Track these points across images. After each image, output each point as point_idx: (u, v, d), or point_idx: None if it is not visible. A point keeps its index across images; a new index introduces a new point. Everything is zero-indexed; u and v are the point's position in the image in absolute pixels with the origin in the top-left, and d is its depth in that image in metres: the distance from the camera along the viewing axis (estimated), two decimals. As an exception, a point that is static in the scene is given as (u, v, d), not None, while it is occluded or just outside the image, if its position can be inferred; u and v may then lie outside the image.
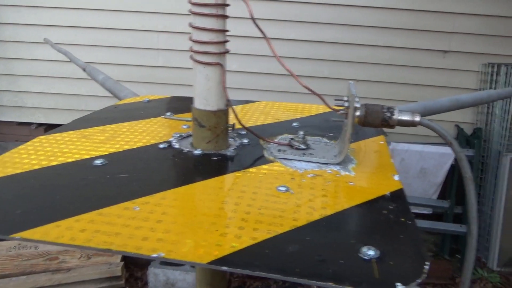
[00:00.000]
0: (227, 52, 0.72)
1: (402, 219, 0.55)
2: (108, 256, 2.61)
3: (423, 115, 1.13)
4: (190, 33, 0.70)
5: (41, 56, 2.95)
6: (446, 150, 2.94)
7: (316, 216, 0.55)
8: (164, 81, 2.94)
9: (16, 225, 0.50)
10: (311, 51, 2.96)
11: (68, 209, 0.54)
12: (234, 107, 0.75)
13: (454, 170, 2.96)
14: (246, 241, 0.49)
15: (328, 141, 0.82)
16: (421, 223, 2.98)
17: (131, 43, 2.89)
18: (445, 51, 3.01)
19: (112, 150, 0.72)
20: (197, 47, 0.70)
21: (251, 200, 0.59)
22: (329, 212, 0.56)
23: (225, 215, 0.54)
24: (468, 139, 2.96)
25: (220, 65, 0.71)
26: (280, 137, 0.83)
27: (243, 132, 0.84)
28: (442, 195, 3.06)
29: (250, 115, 0.99)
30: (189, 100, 0.76)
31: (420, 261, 0.47)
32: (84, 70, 1.37)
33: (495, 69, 2.91)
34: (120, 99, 1.14)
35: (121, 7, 2.83)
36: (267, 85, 2.92)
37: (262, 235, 0.51)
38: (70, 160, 0.68)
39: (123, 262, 2.54)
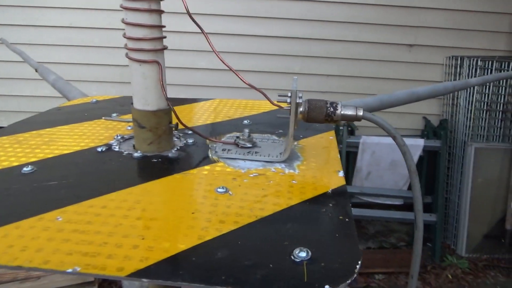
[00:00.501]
0: (164, 48, 0.69)
1: (340, 217, 0.54)
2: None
3: (380, 108, 1.13)
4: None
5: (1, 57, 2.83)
6: (415, 142, 3.00)
7: (252, 218, 0.53)
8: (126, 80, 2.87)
9: None
10: (282, 47, 2.95)
11: (-17, 222, 0.50)
12: (187, 105, 0.72)
13: (423, 161, 3.03)
14: (173, 249, 0.47)
15: (276, 138, 0.80)
16: (393, 214, 3.03)
17: (98, 42, 2.80)
18: (411, 45, 3.06)
19: (45, 156, 0.68)
20: (131, 44, 0.66)
21: (187, 204, 0.56)
22: (266, 213, 0.54)
23: (155, 223, 0.52)
24: (435, 130, 3.02)
25: (157, 63, 0.67)
26: (227, 135, 0.81)
27: (190, 132, 0.81)
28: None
29: (201, 114, 0.96)
30: (133, 100, 0.73)
31: (352, 261, 0.46)
32: (36, 70, 1.31)
33: (459, 62, 2.99)
34: (69, 100, 1.09)
35: (87, 5, 2.74)
36: (224, 82, 2.90)
37: (191, 242, 0.48)
38: (-4, 168, 0.63)
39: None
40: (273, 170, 0.67)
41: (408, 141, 2.98)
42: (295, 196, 0.59)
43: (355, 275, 0.44)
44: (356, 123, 3.18)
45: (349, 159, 3.06)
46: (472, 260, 2.92)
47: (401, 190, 3.11)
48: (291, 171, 0.67)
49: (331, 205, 0.57)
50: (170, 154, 0.71)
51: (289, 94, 0.67)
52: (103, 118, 0.86)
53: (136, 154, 0.70)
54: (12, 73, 2.88)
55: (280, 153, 0.71)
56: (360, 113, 0.67)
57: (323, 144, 0.77)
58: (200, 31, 0.69)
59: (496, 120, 3.00)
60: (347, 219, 0.53)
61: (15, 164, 0.65)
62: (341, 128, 2.96)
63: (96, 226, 0.50)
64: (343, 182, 0.63)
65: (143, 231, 0.50)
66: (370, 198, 3.14)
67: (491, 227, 2.96)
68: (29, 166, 0.64)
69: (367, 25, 2.95)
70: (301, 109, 0.67)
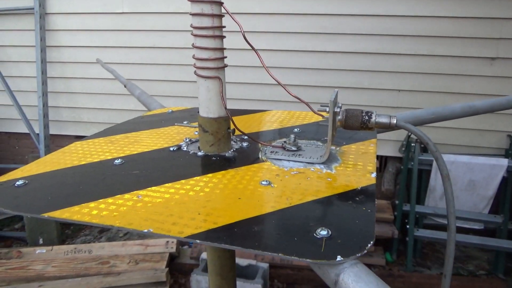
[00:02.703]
0: (225, 66, 0.84)
1: (364, 208, 0.62)
2: (155, 262, 2.80)
3: (432, 121, 1.15)
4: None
5: (95, 75, 3.30)
6: (497, 161, 2.80)
7: (287, 204, 0.64)
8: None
9: (46, 208, 0.64)
10: (352, 63, 3.00)
11: (87, 196, 0.67)
12: (251, 115, 0.85)
13: (507, 183, 2.80)
14: (220, 223, 0.59)
15: (320, 144, 0.89)
16: (472, 239, 2.83)
17: (177, 61, 3.13)
18: (493, 58, 2.89)
19: (131, 153, 0.86)
20: (198, 64, 0.82)
21: (236, 192, 0.68)
22: (299, 201, 0.64)
23: (210, 204, 0.65)
24: (521, 150, 2.78)
25: (219, 78, 0.82)
26: (278, 141, 0.92)
27: (246, 137, 0.94)
28: (494, 210, 2.89)
29: (260, 122, 1.09)
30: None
31: (365, 241, 0.53)
32: (125, 86, 1.57)
33: (548, 75, 2.74)
34: (150, 111, 1.30)
35: (166, 27, 3.10)
36: (278, 96, 3.03)
37: (235, 218, 0.60)
38: (96, 160, 0.83)
39: (167, 269, 2.71)
40: (312, 169, 0.76)
41: (490, 160, 2.80)
42: (327, 190, 0.68)
43: (365, 251, 0.51)
44: (431, 139, 3.06)
45: (421, 177, 2.95)
46: None
47: (481, 213, 2.90)
48: (328, 171, 0.76)
49: (357, 199, 0.65)
50: (227, 154, 0.85)
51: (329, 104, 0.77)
52: (175, 124, 1.03)
53: (199, 153, 0.85)
54: (104, 89, 3.34)
55: (321, 156, 0.80)
56: (394, 121, 0.74)
57: (363, 151, 0.85)
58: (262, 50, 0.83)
59: None
60: (369, 210, 0.61)
61: (109, 157, 0.84)
62: (412, 144, 2.88)
63: (166, 203, 0.65)
64: (373, 181, 0.70)
65: (200, 208, 0.63)
66: (446, 220, 2.97)
67: None
68: (119, 159, 0.82)
69: (441, 38, 2.87)
70: (339, 117, 0.76)
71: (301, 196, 0.66)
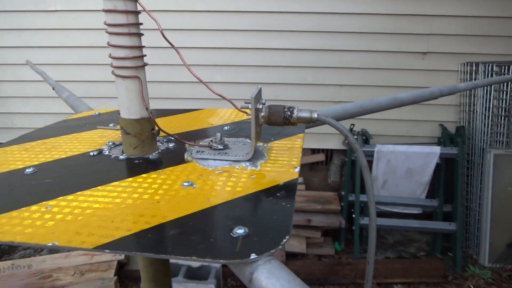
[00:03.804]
0: (145, 65, 0.80)
1: (283, 203, 0.62)
2: (102, 271, 2.68)
3: (360, 113, 1.19)
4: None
5: (28, 77, 3.08)
6: (431, 149, 2.98)
7: (207, 205, 0.62)
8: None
9: None
10: (295, 59, 3.05)
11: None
12: (180, 115, 0.82)
13: (441, 169, 2.99)
14: (134, 229, 0.56)
15: (249, 141, 0.89)
16: (412, 223, 3.00)
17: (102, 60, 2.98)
18: (424, 53, 3.07)
19: (45, 160, 0.80)
20: (115, 63, 0.78)
21: (155, 195, 0.66)
22: (220, 201, 0.63)
23: (125, 211, 0.61)
24: (452, 138, 2.99)
25: (138, 78, 0.79)
26: (205, 140, 0.90)
27: (173, 138, 0.91)
28: (430, 195, 3.08)
29: (186, 122, 1.06)
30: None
31: (281, 237, 0.53)
32: (53, 88, 1.47)
33: (474, 68, 2.96)
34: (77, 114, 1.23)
35: (102, 25, 2.96)
36: (209, 93, 3.02)
37: (152, 223, 0.57)
38: (5, 170, 0.76)
39: (116, 277, 2.61)
40: (237, 167, 0.76)
41: (424, 148, 2.97)
42: (250, 187, 0.67)
43: (280, 247, 0.51)
44: (370, 132, 3.20)
45: (364, 168, 3.07)
46: (495, 270, 2.83)
47: (418, 198, 3.08)
48: (253, 168, 0.75)
49: (278, 194, 0.65)
50: (150, 156, 0.82)
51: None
52: (97, 127, 0.98)
53: (121, 157, 0.81)
54: (40, 92, 3.13)
55: (246, 153, 0.80)
56: (315, 115, 0.75)
57: (289, 145, 0.85)
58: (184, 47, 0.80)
59: (514, 125, 2.93)
60: (288, 205, 0.61)
61: (20, 166, 0.78)
62: (355, 137, 2.99)
63: (77, 213, 0.60)
64: (296, 176, 0.71)
65: (115, 216, 0.60)
66: (388, 207, 3.12)
67: (515, 236, 2.86)
68: (31, 168, 0.76)
69: (378, 35, 3.00)
70: (262, 113, 0.76)
71: (223, 195, 0.65)
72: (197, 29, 2.98)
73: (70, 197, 0.65)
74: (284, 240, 0.53)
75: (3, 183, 0.71)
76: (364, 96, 3.12)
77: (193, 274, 2.53)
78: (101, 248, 0.52)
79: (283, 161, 0.78)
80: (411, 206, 3.07)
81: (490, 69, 2.87)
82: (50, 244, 0.54)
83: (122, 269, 2.81)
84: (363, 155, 0.74)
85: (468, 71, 3.01)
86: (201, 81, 0.78)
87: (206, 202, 0.63)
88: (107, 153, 0.84)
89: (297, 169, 0.74)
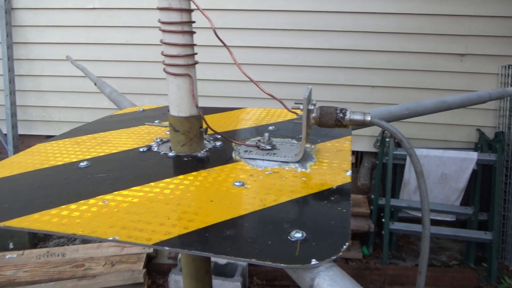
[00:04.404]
0: (195, 63, 0.81)
1: (339, 208, 0.60)
2: (132, 263, 2.74)
3: (406, 116, 1.16)
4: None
5: (65, 72, 3.17)
6: (467, 155, 2.88)
7: (261, 206, 0.62)
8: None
9: (2, 216, 0.60)
10: (327, 59, 3.01)
11: (48, 203, 0.63)
12: (224, 113, 0.83)
13: (477, 176, 2.88)
14: (191, 227, 0.56)
15: (296, 142, 0.88)
16: (444, 231, 2.91)
17: (151, 57, 3.04)
18: (462, 55, 2.97)
19: (98, 154, 0.82)
20: (167, 60, 0.78)
21: (207, 194, 0.66)
22: (274, 203, 0.63)
23: (180, 208, 0.62)
24: (490, 143, 2.87)
25: (189, 76, 0.79)
26: (252, 139, 0.90)
27: (219, 136, 0.92)
28: (465, 202, 2.98)
29: (232, 120, 1.06)
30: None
31: (340, 242, 0.52)
32: (95, 84, 1.50)
33: (515, 71, 2.84)
34: (121, 110, 1.25)
35: (139, 23, 3.01)
36: (255, 92, 3.00)
37: (207, 222, 0.57)
38: (60, 163, 0.78)
39: (145, 270, 2.66)
40: (287, 169, 0.75)
41: (460, 154, 2.87)
42: (302, 190, 0.66)
43: (340, 253, 0.50)
44: (404, 134, 3.12)
45: (396, 172, 3.00)
46: (532, 281, 2.70)
47: (452, 205, 2.98)
48: (303, 170, 0.74)
49: (332, 198, 0.63)
50: (199, 154, 0.82)
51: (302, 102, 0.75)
52: (145, 123, 0.99)
53: (170, 154, 0.82)
54: (76, 86, 3.22)
55: (295, 154, 0.79)
56: (368, 118, 0.73)
57: (338, 148, 0.84)
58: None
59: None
60: (344, 210, 0.60)
61: (74, 160, 0.80)
62: (387, 139, 2.92)
63: (133, 207, 0.61)
64: (348, 180, 0.69)
65: (170, 213, 0.60)
66: (419, 213, 3.04)
67: (555, 247, 2.72)
68: (85, 162, 0.78)
69: (412, 35, 2.92)
70: (313, 114, 0.75)
71: (275, 197, 0.64)
72: (229, 27, 2.99)
73: (125, 192, 0.66)
74: (344, 247, 0.51)
75: (59, 176, 0.73)
76: (396, 98, 3.04)
77: (219, 271, 2.55)
78: (161, 245, 0.53)
79: (333, 164, 0.76)
80: (444, 212, 2.98)
81: (532, 72, 2.74)
82: (110, 238, 0.54)
83: (150, 262, 2.86)
84: (419, 161, 0.72)
85: (509, 74, 2.89)
86: (252, 81, 0.78)
87: (259, 203, 0.63)
88: (156, 149, 0.85)
89: (349, 173, 0.72)
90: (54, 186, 0.69)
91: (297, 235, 0.53)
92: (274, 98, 0.79)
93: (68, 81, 3.23)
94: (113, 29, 3.06)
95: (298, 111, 0.76)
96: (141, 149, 0.85)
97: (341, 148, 0.84)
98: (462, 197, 2.96)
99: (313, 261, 0.48)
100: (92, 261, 2.71)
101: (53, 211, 0.61)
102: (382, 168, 3.00)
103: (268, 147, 0.82)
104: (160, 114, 1.13)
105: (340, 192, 0.65)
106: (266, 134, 0.83)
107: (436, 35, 2.92)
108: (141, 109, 1.17)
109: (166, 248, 0.53)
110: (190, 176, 0.72)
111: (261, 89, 0.79)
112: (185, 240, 0.54)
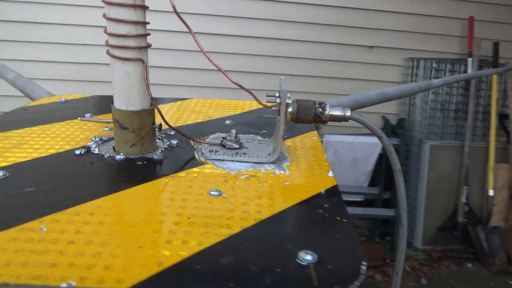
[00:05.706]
0: (148, 46, 0.66)
1: (338, 218, 0.54)
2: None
3: (353, 108, 1.15)
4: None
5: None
6: (375, 140, 3.12)
7: (251, 221, 0.52)
8: (91, 78, 2.75)
9: None
10: (247, 47, 2.95)
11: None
12: (163, 105, 0.69)
13: (382, 159, 3.15)
14: (174, 257, 0.44)
15: (261, 139, 0.79)
16: (354, 210, 3.13)
17: (56, 38, 2.64)
18: (371, 47, 3.17)
19: (17, 160, 0.62)
20: (113, 41, 0.62)
21: (180, 209, 0.54)
22: (264, 216, 0.54)
23: (150, 229, 0.49)
24: (394, 129, 3.16)
25: (142, 61, 0.64)
26: (212, 136, 0.79)
27: (172, 133, 0.78)
28: (372, 183, 3.24)
29: (181, 114, 0.93)
30: (112, 99, 0.68)
31: (357, 262, 0.46)
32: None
33: (415, 63, 3.14)
34: (33, 100, 1.01)
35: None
36: (201, 81, 2.85)
37: (192, 248, 0.46)
38: (-38, 174, 0.57)
39: None
40: (264, 171, 0.66)
41: (369, 139, 3.10)
42: (289, 197, 0.59)
43: (363, 276, 0.44)
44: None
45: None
46: (427, 251, 3.09)
47: (362, 186, 3.23)
48: (282, 172, 0.66)
49: (326, 206, 0.57)
50: (155, 156, 0.68)
51: (277, 94, 0.67)
52: (78, 118, 0.80)
53: (118, 157, 0.66)
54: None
55: (269, 154, 0.70)
56: (348, 113, 0.68)
57: (308, 145, 0.77)
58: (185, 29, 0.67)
59: (449, 119, 3.19)
60: (344, 220, 0.54)
61: (-17, 169, 0.59)
62: (305, 127, 3.01)
63: (86, 236, 0.46)
64: (334, 182, 0.64)
65: (139, 239, 0.47)
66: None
67: (445, 220, 3.15)
68: (1, 171, 0.58)
69: (328, 26, 3.02)
70: (290, 109, 0.67)
71: (262, 208, 0.55)
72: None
73: (70, 211, 0.50)
74: (363, 267, 0.45)
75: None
76: (313, 86, 3.15)
77: None
78: (140, 287, 0.40)
79: (310, 164, 0.70)
80: (354, 194, 3.21)
81: (429, 65, 3.07)
82: (64, 285, 0.40)
83: None
84: (397, 158, 0.69)
85: (410, 66, 3.19)
86: (220, 70, 0.66)
87: (248, 217, 0.53)
88: (96, 151, 0.68)
89: (331, 173, 0.67)
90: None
91: (307, 257, 0.45)
92: (244, 89, 0.69)
93: None
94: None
95: (268, 104, 0.67)
96: (77, 152, 0.67)
97: (311, 145, 0.78)
98: (369, 178, 3.22)
99: (338, 290, 0.41)
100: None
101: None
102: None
103: (235, 145, 0.72)
104: (89, 105, 0.93)
105: (331, 198, 0.59)
106: (233, 131, 0.72)
107: (349, 27, 3.06)
108: (63, 99, 0.95)
109: (149, 290, 0.40)
110: (152, 185, 0.59)
111: (230, 79, 0.68)
112: (172, 278, 0.42)
